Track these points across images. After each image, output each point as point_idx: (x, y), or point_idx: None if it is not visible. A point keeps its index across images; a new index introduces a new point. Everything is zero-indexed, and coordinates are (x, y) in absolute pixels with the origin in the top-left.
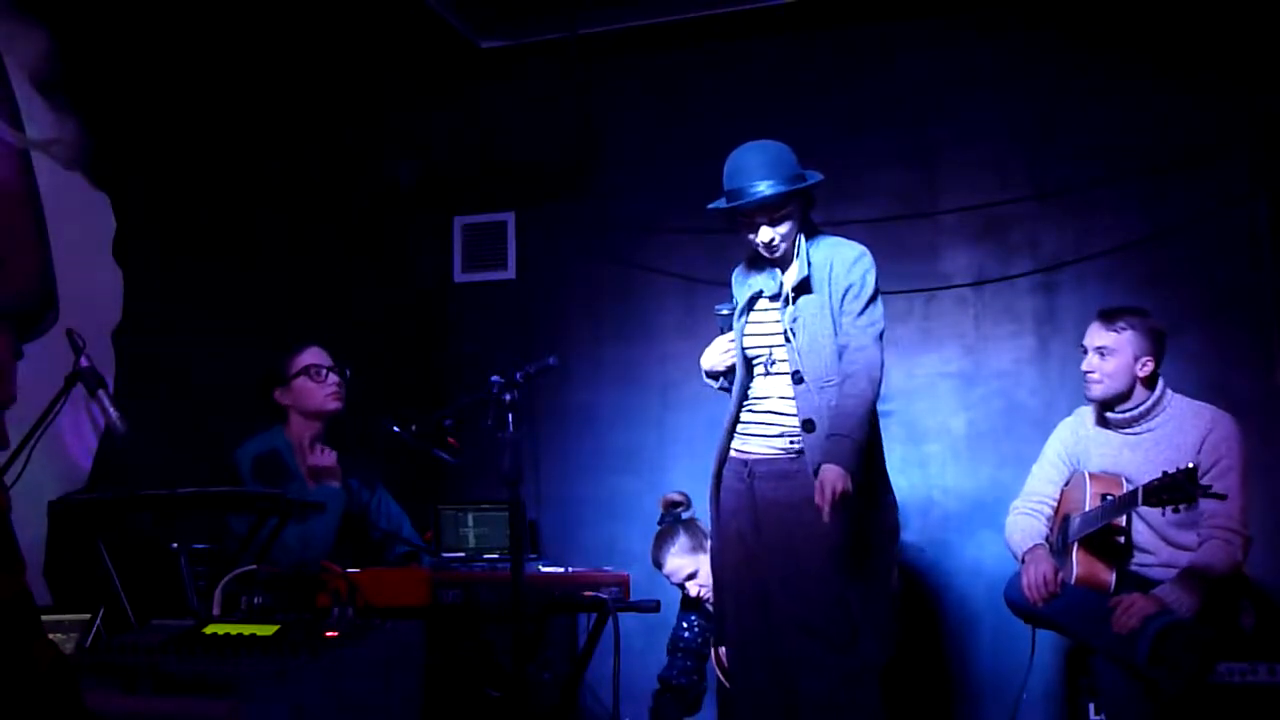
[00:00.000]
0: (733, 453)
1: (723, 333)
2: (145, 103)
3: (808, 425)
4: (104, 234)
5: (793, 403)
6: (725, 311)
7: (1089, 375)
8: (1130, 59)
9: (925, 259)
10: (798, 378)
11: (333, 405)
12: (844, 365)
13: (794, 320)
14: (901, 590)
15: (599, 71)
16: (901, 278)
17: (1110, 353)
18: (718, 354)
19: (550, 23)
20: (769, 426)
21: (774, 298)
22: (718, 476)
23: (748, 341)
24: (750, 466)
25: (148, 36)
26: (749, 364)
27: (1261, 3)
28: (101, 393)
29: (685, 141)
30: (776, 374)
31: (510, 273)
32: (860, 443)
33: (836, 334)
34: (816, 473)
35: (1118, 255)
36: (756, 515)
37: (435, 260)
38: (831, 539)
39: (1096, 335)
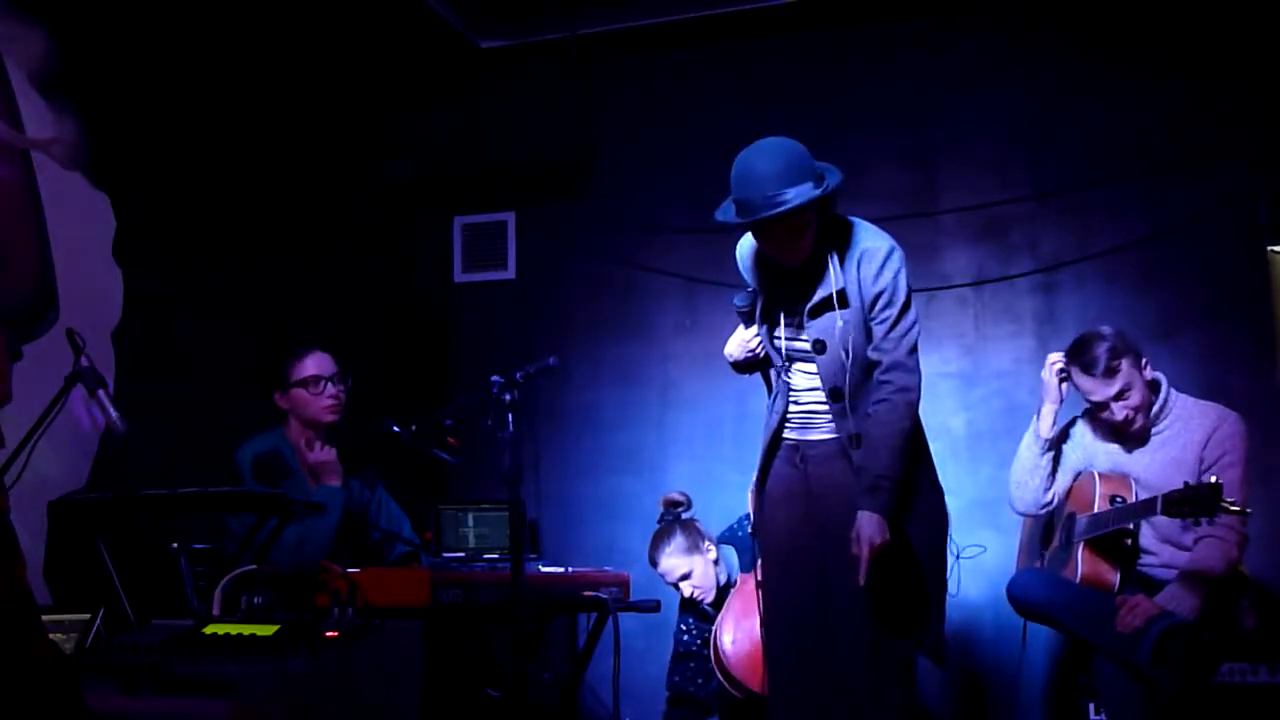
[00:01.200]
0: (784, 441)
1: (746, 326)
2: (145, 103)
3: (855, 440)
4: (104, 234)
5: (819, 424)
6: (744, 308)
7: (1126, 418)
8: (1130, 59)
9: (925, 259)
10: (835, 394)
11: (329, 418)
12: (877, 386)
13: (825, 332)
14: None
15: (599, 71)
16: None
17: (1128, 389)
18: (740, 348)
19: (550, 23)
20: (817, 417)
21: (798, 300)
22: (764, 469)
23: (781, 344)
24: (801, 450)
25: (148, 37)
26: (787, 360)
27: (1262, 2)
28: (101, 393)
29: (685, 141)
30: (814, 371)
31: (510, 273)
32: (899, 480)
33: (868, 337)
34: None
35: (1118, 255)
36: (808, 501)
37: (435, 260)
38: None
39: (1105, 387)
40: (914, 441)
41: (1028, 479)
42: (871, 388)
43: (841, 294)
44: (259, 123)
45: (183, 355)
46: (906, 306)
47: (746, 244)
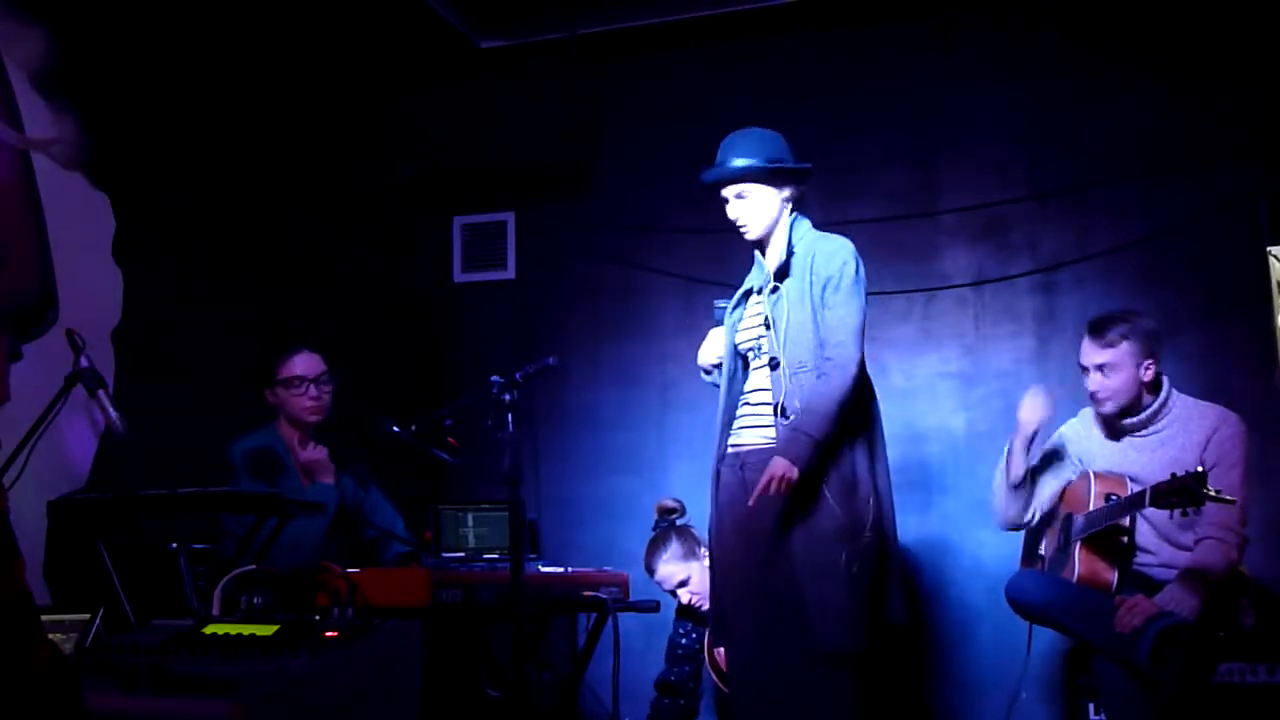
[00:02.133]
0: (729, 448)
1: (717, 326)
2: (145, 103)
3: (780, 410)
4: (104, 234)
5: (763, 412)
6: (721, 304)
7: (1096, 395)
8: (1131, 59)
9: (925, 259)
10: (774, 364)
11: (311, 419)
12: (820, 362)
13: (774, 306)
14: (874, 579)
15: (599, 71)
16: (901, 278)
17: (1113, 368)
18: (706, 348)
19: (550, 23)
20: (760, 418)
21: (760, 290)
22: (717, 474)
23: (739, 337)
24: (743, 459)
25: (148, 36)
26: (743, 358)
27: (1262, 3)
28: (101, 393)
29: (685, 141)
30: (763, 365)
31: (510, 273)
32: (820, 442)
33: (816, 324)
34: None
35: (1118, 255)
36: (746, 511)
37: (435, 260)
38: (785, 530)
39: (1094, 353)
40: (850, 452)
41: (1004, 506)
42: (812, 363)
43: (783, 269)
44: (259, 123)
45: (183, 355)
46: (853, 293)
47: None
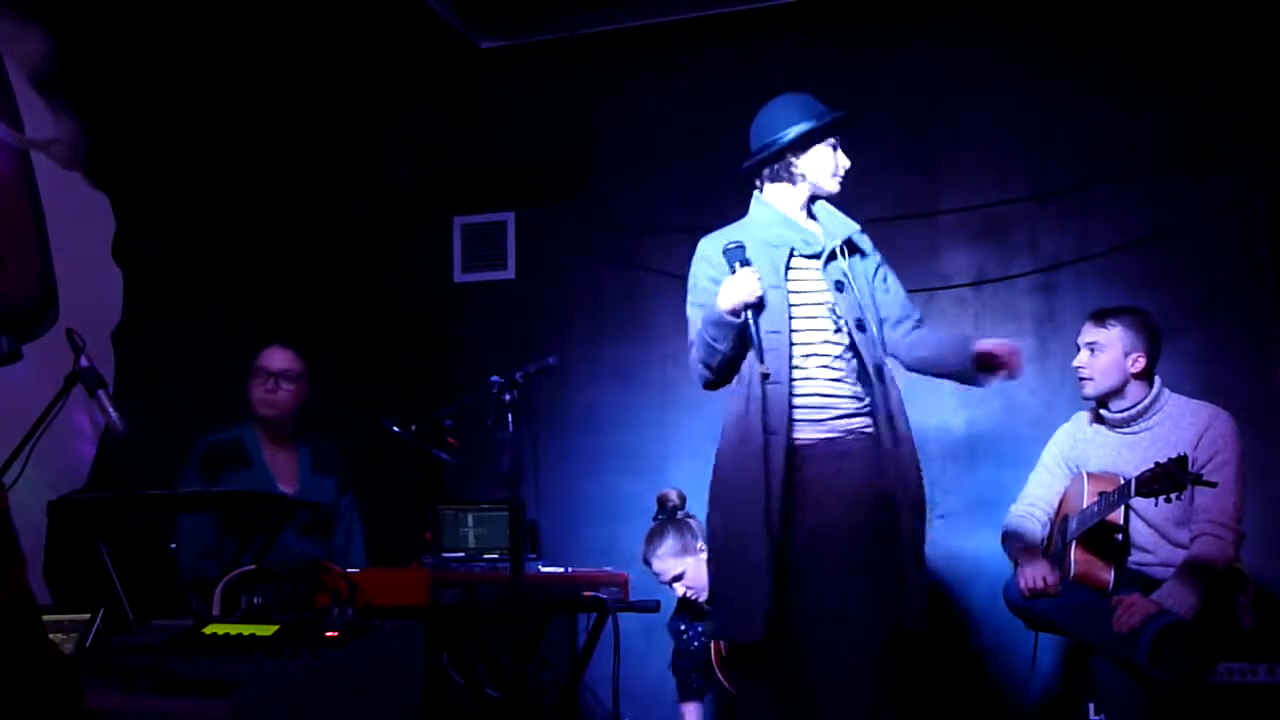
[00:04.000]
0: (821, 435)
1: (741, 265)
2: (145, 103)
3: (879, 372)
4: (104, 234)
5: (842, 383)
6: (735, 243)
7: (1080, 371)
8: (1131, 59)
9: (925, 259)
10: (861, 325)
11: (264, 411)
12: (931, 329)
13: (844, 273)
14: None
15: (599, 71)
16: (901, 278)
17: (1100, 349)
18: (738, 287)
19: (550, 23)
20: (819, 410)
21: (816, 256)
22: (788, 465)
23: (795, 299)
24: (802, 452)
25: (148, 36)
26: (790, 345)
27: (1262, 3)
28: (101, 393)
29: (685, 141)
30: (824, 354)
31: (510, 273)
32: None
33: (875, 302)
34: (889, 424)
35: (1118, 255)
36: (805, 500)
37: (435, 260)
38: (886, 526)
39: (1087, 333)
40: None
41: (1012, 545)
42: (910, 318)
43: (850, 243)
44: (259, 123)
45: (182, 355)
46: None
47: (719, 238)
